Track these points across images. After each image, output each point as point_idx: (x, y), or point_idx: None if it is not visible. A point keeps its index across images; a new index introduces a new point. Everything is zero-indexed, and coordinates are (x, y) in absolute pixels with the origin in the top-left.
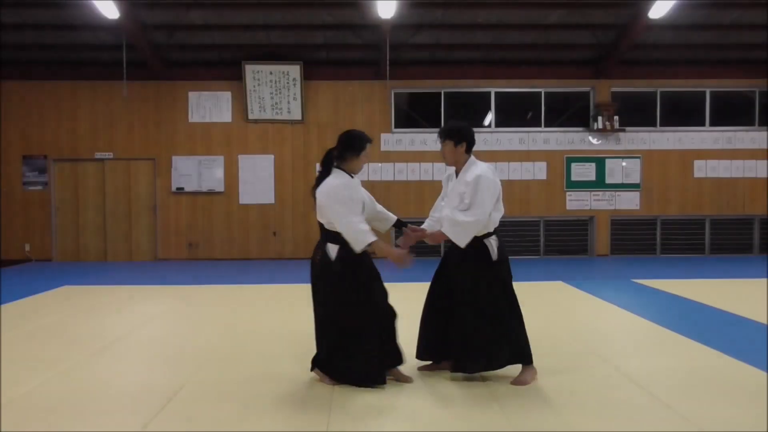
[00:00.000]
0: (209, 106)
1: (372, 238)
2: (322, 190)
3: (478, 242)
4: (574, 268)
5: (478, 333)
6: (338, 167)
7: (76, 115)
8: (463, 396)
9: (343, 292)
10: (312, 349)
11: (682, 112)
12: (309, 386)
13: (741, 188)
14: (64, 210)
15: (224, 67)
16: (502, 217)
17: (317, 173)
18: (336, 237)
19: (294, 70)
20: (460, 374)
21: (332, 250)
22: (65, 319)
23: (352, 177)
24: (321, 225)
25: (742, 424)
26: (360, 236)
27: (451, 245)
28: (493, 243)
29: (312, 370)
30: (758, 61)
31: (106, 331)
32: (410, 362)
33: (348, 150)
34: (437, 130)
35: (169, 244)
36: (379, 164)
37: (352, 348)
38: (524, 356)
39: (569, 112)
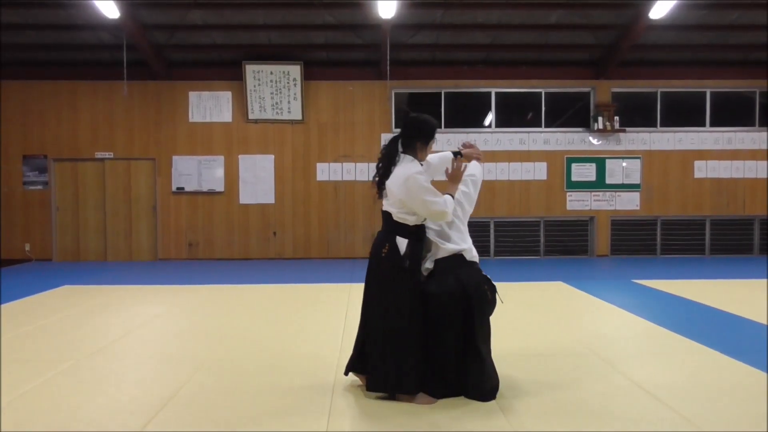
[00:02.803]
0: (210, 106)
1: (449, 197)
2: (396, 182)
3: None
4: (575, 269)
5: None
6: (406, 153)
7: (77, 115)
8: (466, 402)
9: (410, 290)
10: (312, 350)
11: (683, 113)
12: (309, 389)
13: (741, 189)
14: (65, 210)
15: (225, 67)
16: (503, 217)
17: (378, 163)
18: (405, 230)
19: (294, 70)
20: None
21: (402, 243)
22: (65, 319)
23: (421, 164)
24: (387, 216)
25: (742, 425)
26: (449, 206)
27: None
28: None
29: (352, 373)
30: (758, 61)
31: (106, 331)
32: None
33: (419, 136)
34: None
35: (170, 244)
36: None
37: (409, 351)
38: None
39: (569, 113)
